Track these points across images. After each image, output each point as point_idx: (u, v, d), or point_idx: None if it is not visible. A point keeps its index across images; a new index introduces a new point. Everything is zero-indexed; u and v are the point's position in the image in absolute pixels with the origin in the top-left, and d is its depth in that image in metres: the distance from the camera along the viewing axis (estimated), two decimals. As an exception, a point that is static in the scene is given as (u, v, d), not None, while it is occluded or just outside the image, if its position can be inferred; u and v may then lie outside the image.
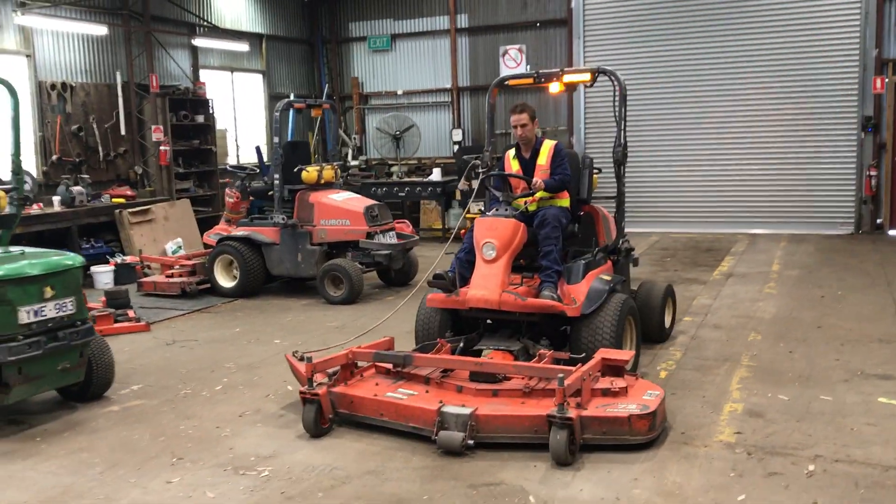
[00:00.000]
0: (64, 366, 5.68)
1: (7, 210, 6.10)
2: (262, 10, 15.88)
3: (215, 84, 14.55)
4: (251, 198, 10.66)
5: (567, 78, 6.94)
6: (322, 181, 10.10)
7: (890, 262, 10.85)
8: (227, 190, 10.80)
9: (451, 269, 6.17)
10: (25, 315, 5.37)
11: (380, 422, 5.16)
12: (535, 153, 6.51)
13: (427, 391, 5.34)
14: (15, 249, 5.83)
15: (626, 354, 5.43)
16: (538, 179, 6.30)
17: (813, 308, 8.42)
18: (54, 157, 11.53)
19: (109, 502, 4.41)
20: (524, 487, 4.40)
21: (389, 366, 5.67)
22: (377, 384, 5.51)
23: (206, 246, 10.95)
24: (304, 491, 4.45)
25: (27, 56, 11.30)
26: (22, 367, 5.40)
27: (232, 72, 15.27)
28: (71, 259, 5.73)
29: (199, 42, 14.05)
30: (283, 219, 9.85)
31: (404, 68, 16.93)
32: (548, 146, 6.52)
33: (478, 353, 5.88)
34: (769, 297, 9.01)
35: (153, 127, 12.72)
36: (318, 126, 16.37)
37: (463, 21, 16.24)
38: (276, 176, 9.88)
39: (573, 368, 5.04)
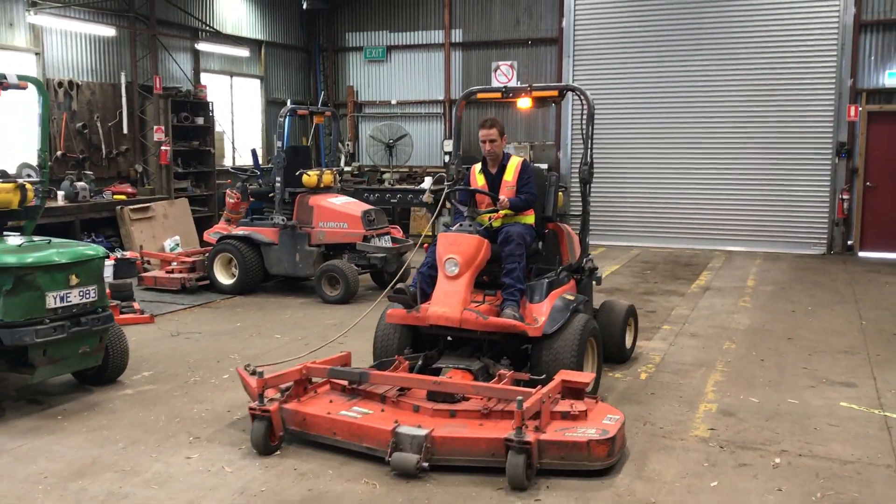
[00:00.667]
0: (84, 350, 6.03)
1: (33, 202, 6.45)
2: (263, 17, 16.29)
3: (215, 87, 14.93)
4: (251, 199, 11.03)
5: (536, 93, 6.84)
6: (321, 185, 10.50)
7: (858, 282, 11.42)
8: (228, 191, 11.17)
9: (413, 284, 6.06)
10: (52, 300, 5.72)
11: (332, 441, 4.99)
12: (502, 169, 6.41)
13: (383, 410, 5.18)
14: (40, 239, 6.19)
15: (586, 377, 5.34)
16: (504, 198, 6.22)
17: (784, 321, 8.93)
18: (59, 153, 11.85)
19: (135, 474, 4.77)
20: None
21: (345, 382, 5.53)
22: (331, 401, 5.34)
23: (204, 244, 11.32)
24: (314, 469, 4.84)
25: (36, 54, 11.64)
26: (47, 349, 5.75)
27: (231, 76, 15.66)
28: (94, 250, 6.10)
29: (201, 46, 14.43)
30: (283, 220, 10.24)
31: (399, 79, 17.39)
32: (515, 162, 6.42)
33: (437, 372, 5.71)
34: (744, 310, 9.52)
35: (155, 127, 13.07)
36: (312, 132, 16.76)
37: (457, 36, 16.74)
38: (278, 178, 10.28)
39: (533, 390, 4.92)
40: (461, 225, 6.04)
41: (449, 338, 6.04)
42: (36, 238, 6.26)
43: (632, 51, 15.38)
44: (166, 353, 7.51)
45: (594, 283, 7.18)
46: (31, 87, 6.65)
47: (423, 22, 17.05)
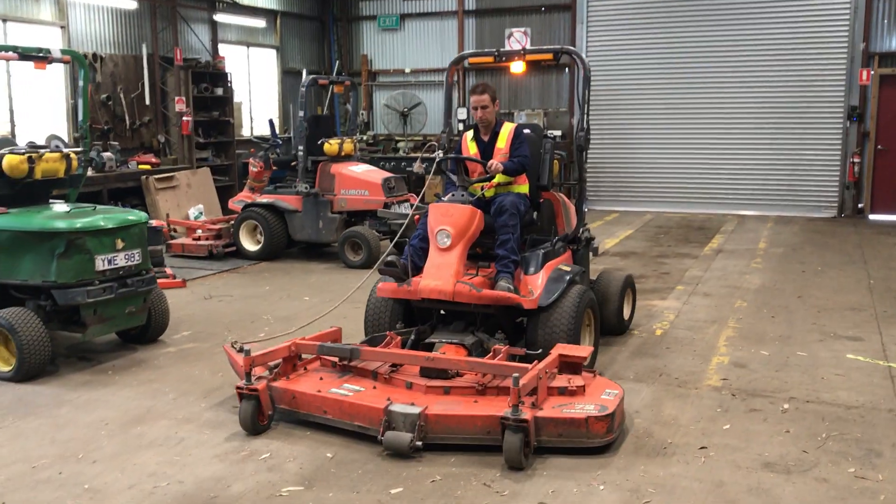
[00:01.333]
0: (130, 309, 6.40)
1: (77, 171, 6.78)
2: (278, -13, 16.47)
3: (232, 58, 15.16)
4: (274, 167, 11.33)
5: (529, 57, 6.48)
6: (342, 153, 10.79)
7: (867, 244, 11.67)
8: (251, 160, 11.46)
9: (404, 257, 5.83)
10: (101, 263, 6.07)
11: (323, 419, 4.86)
12: (495, 136, 6.15)
13: (374, 387, 5.03)
14: (86, 206, 6.53)
15: (584, 350, 5.17)
16: (494, 162, 5.94)
17: (794, 281, 9.22)
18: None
19: (188, 421, 5.14)
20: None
21: (335, 358, 5.39)
22: (321, 378, 5.18)
23: (226, 212, 11.63)
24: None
25: (62, 27, 11.90)
26: (97, 309, 6.12)
27: (248, 46, 15.88)
28: (137, 216, 6.44)
29: (218, 17, 14.63)
30: (306, 188, 10.55)
31: (412, 47, 17.55)
32: (508, 128, 6.14)
33: (429, 347, 5.50)
34: (755, 271, 9.80)
35: (176, 98, 13.34)
36: (327, 101, 17.00)
37: (470, 3, 16.87)
38: (300, 147, 10.56)
39: (529, 366, 4.79)
40: (453, 195, 5.87)
41: (441, 311, 5.87)
42: (81, 205, 6.60)
43: (645, 17, 15.49)
44: (202, 315, 7.87)
45: (591, 253, 7.03)
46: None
47: (436, -10, 17.19)
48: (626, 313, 7.05)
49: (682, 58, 15.34)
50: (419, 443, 4.49)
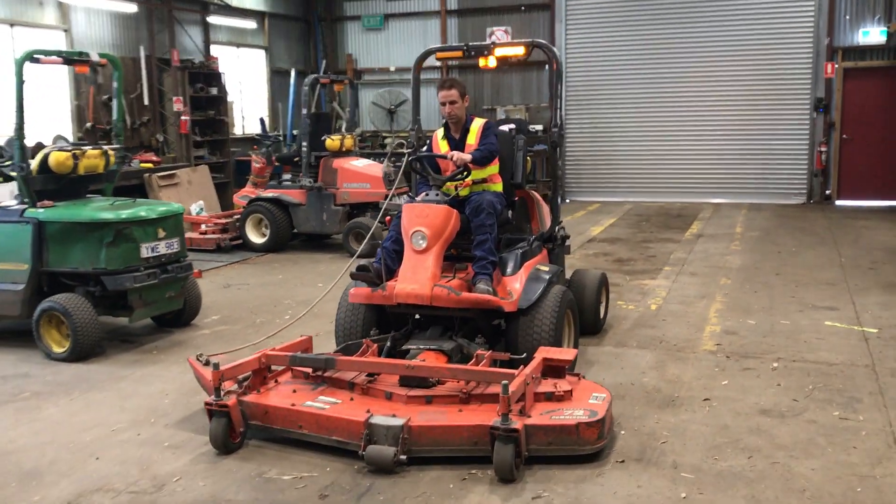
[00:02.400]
0: (170, 294, 6.90)
1: (113, 167, 7.24)
2: (265, -12, 16.91)
3: (223, 59, 15.56)
4: (276, 163, 11.81)
5: (499, 52, 6.40)
6: (343, 149, 11.31)
7: (836, 227, 12.46)
8: (254, 156, 11.93)
9: (377, 261, 5.57)
10: (145, 251, 6.56)
11: (298, 435, 4.60)
12: (465, 132, 5.91)
13: (352, 398, 4.76)
14: (125, 199, 7.00)
15: (569, 353, 4.99)
16: (455, 153, 5.71)
17: (772, 260, 9.94)
18: (88, 125, 12.51)
19: (240, 390, 5.66)
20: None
21: (308, 370, 5.11)
22: (294, 391, 4.89)
23: (225, 207, 12.09)
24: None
25: (65, 31, 12.27)
26: (142, 294, 6.61)
27: (238, 47, 16.31)
28: (176, 207, 6.93)
29: (211, 19, 15.05)
30: (310, 182, 11.05)
31: (397, 46, 18.08)
32: (478, 124, 5.92)
33: (406, 354, 5.27)
34: (735, 252, 10.51)
35: (174, 98, 13.75)
36: (314, 99, 17.44)
37: (452, 3, 17.46)
38: (304, 143, 11.07)
39: (515, 372, 4.55)
40: (427, 195, 5.64)
41: (417, 316, 5.64)
42: (121, 198, 7.08)
43: (620, 15, 16.20)
44: (225, 302, 8.36)
45: (564, 252, 6.87)
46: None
47: (419, -10, 17.74)
48: (602, 312, 6.89)
49: (657, 54, 16.07)
50: (403, 456, 4.24)
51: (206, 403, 4.63)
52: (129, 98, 13.30)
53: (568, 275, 6.89)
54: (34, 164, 6.69)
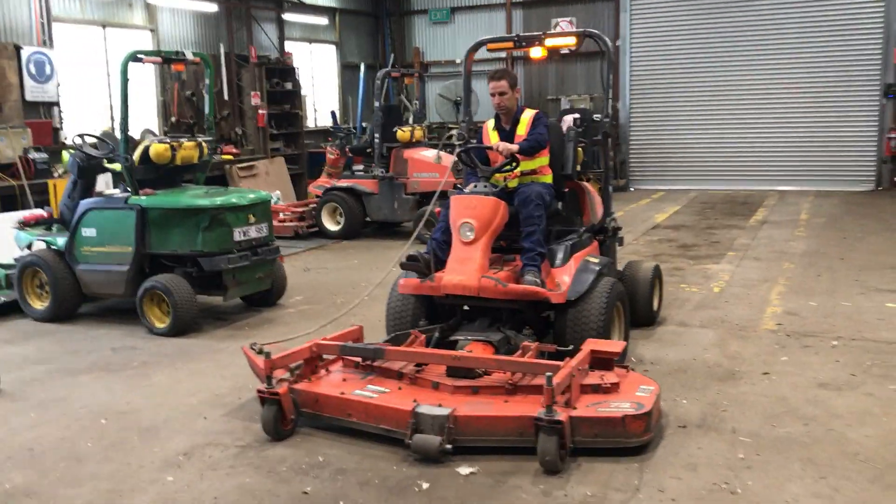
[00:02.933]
0: (259, 275, 7.45)
1: (206, 157, 7.82)
2: (335, -15, 17.49)
3: (296, 55, 16.20)
4: (350, 154, 12.35)
5: (550, 42, 6.35)
6: (413, 140, 11.77)
7: (905, 213, 12.42)
8: (328, 148, 12.49)
9: (427, 251, 5.64)
10: (238, 235, 7.12)
11: (347, 423, 4.69)
12: (516, 123, 5.92)
13: (400, 388, 4.82)
14: (218, 188, 7.57)
15: (617, 346, 4.96)
16: (501, 143, 5.75)
17: (837, 246, 10.04)
18: (173, 119, 13.27)
19: (327, 362, 6.14)
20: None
21: (358, 359, 5.16)
22: (344, 380, 5.00)
23: (300, 197, 12.66)
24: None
25: (151, 31, 13.03)
26: (235, 274, 7.17)
27: (310, 43, 16.93)
28: (264, 195, 7.47)
29: (287, 16, 15.68)
30: (382, 172, 11.55)
31: (463, 39, 18.46)
32: (528, 115, 5.93)
33: (454, 345, 5.37)
34: (799, 238, 10.63)
35: (252, 93, 14.42)
36: (383, 92, 17.94)
37: (518, -5, 17.76)
38: (377, 135, 11.56)
39: (561, 363, 4.55)
40: (475, 186, 5.65)
41: (466, 307, 5.68)
42: (214, 187, 7.65)
43: (685, 4, 16.27)
44: (307, 284, 8.91)
45: (617, 244, 6.79)
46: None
47: (484, -17, 18.09)
48: (655, 304, 6.83)
49: (722, 42, 16.10)
50: (449, 446, 4.28)
51: (259, 391, 4.73)
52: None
53: (621, 266, 6.88)
54: (136, 155, 7.29)
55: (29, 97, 10.98)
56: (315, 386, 4.90)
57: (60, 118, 11.56)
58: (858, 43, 15.13)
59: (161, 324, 7.01)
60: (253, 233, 7.27)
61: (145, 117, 13.15)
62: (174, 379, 5.91)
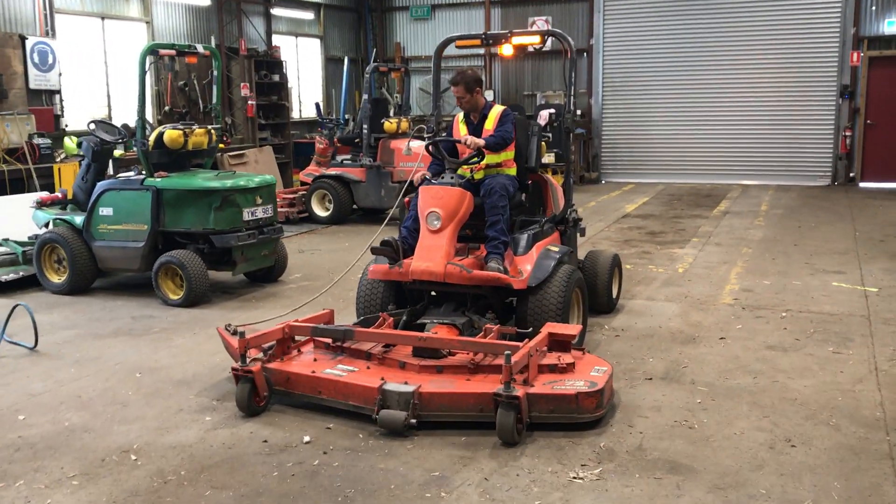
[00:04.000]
0: (265, 253, 8.09)
1: (213, 144, 8.43)
2: (320, -19, 18.08)
3: (283, 48, 16.76)
4: (337, 144, 12.99)
5: (516, 40, 6.73)
6: (399, 131, 12.44)
7: (856, 206, 13.35)
8: (317, 138, 13.11)
9: (400, 238, 5.98)
10: (246, 214, 7.75)
11: (318, 400, 4.95)
12: (484, 118, 6.23)
13: (368, 367, 5.09)
14: (227, 171, 8.18)
15: (573, 329, 5.26)
16: (470, 137, 6.02)
17: (792, 234, 10.90)
18: (166, 108, 13.80)
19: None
20: (600, 321, 6.82)
21: (329, 340, 5.41)
22: (315, 360, 5.25)
23: (287, 184, 13.28)
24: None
25: (146, 23, 13.54)
26: (243, 251, 7.80)
27: (296, 37, 17.50)
28: (270, 178, 8.11)
29: (275, 11, 16.25)
30: (370, 161, 12.20)
31: (443, 35, 18.85)
32: (496, 111, 6.23)
33: (422, 328, 5.64)
34: (758, 227, 11.49)
35: (242, 84, 14.97)
36: (370, 86, 18.58)
37: (496, -6, 18.47)
38: (365, 126, 12.21)
39: (520, 344, 4.82)
40: (442, 177, 5.93)
41: (433, 293, 5.94)
42: (222, 171, 8.27)
43: (656, 6, 17.11)
44: (303, 263, 9.55)
45: (579, 234, 7.10)
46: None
47: (464, -18, 18.77)
48: (615, 292, 7.19)
49: (690, 42, 16.98)
50: (413, 420, 4.55)
51: (233, 369, 4.98)
52: (202, 84, 14.54)
53: (583, 255, 7.21)
54: (151, 140, 7.89)
55: (32, 85, 11.46)
56: (287, 365, 5.15)
57: (61, 106, 12.05)
58: (817, 46, 16.07)
59: (175, 296, 7.62)
60: (260, 213, 7.91)
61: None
62: (194, 342, 6.55)
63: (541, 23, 17.97)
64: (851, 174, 16.19)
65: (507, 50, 6.87)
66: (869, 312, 7.05)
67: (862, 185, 16.01)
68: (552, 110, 6.91)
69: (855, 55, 15.65)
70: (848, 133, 15.92)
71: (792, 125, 16.45)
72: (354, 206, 12.57)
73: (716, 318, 6.95)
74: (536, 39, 6.76)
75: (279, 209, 12.39)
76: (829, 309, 7.19)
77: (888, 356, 5.88)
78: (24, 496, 4.00)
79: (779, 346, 6.17)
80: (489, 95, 18.49)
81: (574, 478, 4.09)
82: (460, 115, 6.43)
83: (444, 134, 6.58)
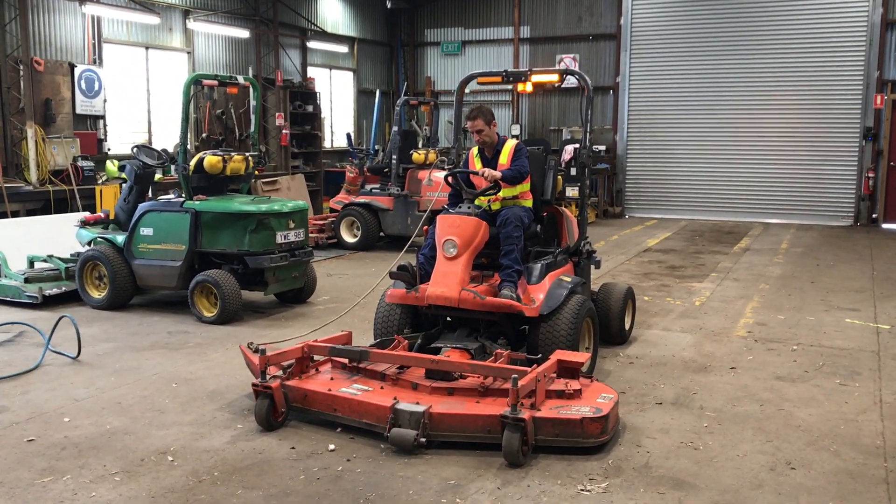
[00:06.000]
0: (295, 274, 8.45)
1: (250, 170, 8.84)
2: (355, 16, 18.66)
3: (317, 79, 17.32)
4: (367, 173, 13.42)
5: (535, 78, 6.94)
6: (427, 162, 12.83)
7: (877, 246, 13.48)
8: (348, 167, 13.54)
9: (418, 264, 6.19)
10: (279, 238, 8.12)
11: (332, 417, 5.14)
12: (497, 153, 6.47)
13: (382, 387, 5.27)
14: (262, 196, 8.58)
15: (581, 357, 5.39)
16: (487, 169, 6.24)
17: (810, 271, 11.08)
18: (204, 135, 14.32)
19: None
20: (615, 349, 7.08)
21: (346, 360, 5.64)
22: (332, 379, 5.46)
23: (318, 211, 13.70)
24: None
25: (188, 53, 14.12)
26: (276, 272, 8.16)
27: (330, 69, 18.06)
28: (303, 204, 8.50)
29: (310, 44, 16.82)
30: (397, 190, 12.60)
31: (472, 70, 19.51)
32: (510, 145, 6.46)
33: (436, 351, 5.75)
34: (777, 264, 11.67)
35: (277, 113, 15.50)
36: (401, 118, 19.06)
37: (525, 32, 18.94)
38: (394, 156, 12.63)
39: (528, 369, 5.01)
40: (460, 207, 6.15)
41: (448, 318, 6.11)
42: (258, 196, 8.67)
43: (682, 46, 17.47)
44: (331, 286, 9.90)
45: (593, 265, 7.27)
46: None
47: (494, 19, 19.28)
48: (627, 324, 7.34)
49: (715, 82, 17.28)
50: (423, 439, 4.69)
51: (253, 385, 5.20)
52: (238, 113, 15.08)
53: (597, 287, 7.39)
54: (191, 165, 8.32)
55: (79, 111, 12.03)
56: (305, 383, 5.34)
57: (105, 130, 12.60)
58: (841, 88, 16.30)
59: (209, 313, 7.99)
60: (292, 237, 8.28)
61: (176, 132, 14.16)
62: (227, 356, 6.89)
63: (568, 60, 18.40)
64: (874, 215, 16.31)
65: (527, 87, 7.09)
66: (879, 348, 7.23)
67: (885, 226, 16.12)
68: (577, 145, 7.11)
69: (879, 98, 15.86)
70: (871, 174, 16.08)
71: (815, 165, 16.65)
72: (381, 234, 12.95)
73: (728, 350, 7.17)
74: (555, 78, 7.06)
75: (309, 234, 12.92)
76: (840, 344, 7.38)
77: (894, 390, 6.06)
78: (72, 489, 4.33)
79: (787, 377, 6.38)
80: (516, 129, 18.91)
81: (581, 490, 4.34)
82: (475, 150, 6.65)
83: (462, 167, 6.83)
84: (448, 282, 5.78)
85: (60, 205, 10.96)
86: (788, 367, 6.65)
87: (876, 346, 7.32)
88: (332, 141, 18.10)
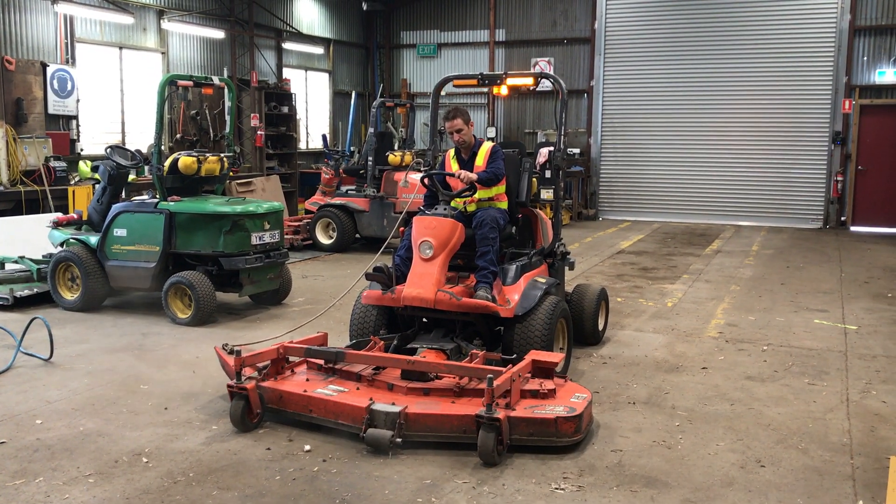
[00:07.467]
0: (271, 276, 8.43)
1: (225, 171, 8.81)
2: (331, 18, 18.65)
3: (293, 81, 17.27)
4: (343, 175, 13.41)
5: (510, 81, 7.03)
6: (403, 163, 12.85)
7: (845, 248, 13.71)
8: (324, 168, 13.53)
9: (394, 266, 6.22)
10: (255, 239, 8.11)
11: (308, 418, 5.12)
12: (474, 155, 6.51)
13: (358, 388, 5.28)
14: (237, 198, 8.56)
15: (556, 357, 5.44)
16: (463, 172, 6.28)
17: (780, 273, 11.25)
18: (178, 136, 14.23)
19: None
20: (589, 350, 7.15)
21: (321, 361, 5.64)
22: (308, 380, 5.45)
23: (293, 212, 13.68)
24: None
25: (162, 53, 14.03)
26: (250, 273, 8.15)
27: (306, 70, 18.02)
28: (278, 205, 8.48)
29: (286, 45, 16.78)
30: (373, 192, 12.60)
31: (448, 73, 19.54)
32: (486, 147, 6.50)
33: (412, 352, 5.76)
34: (748, 266, 11.84)
35: (252, 115, 15.43)
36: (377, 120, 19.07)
37: (501, 35, 19.02)
38: (370, 158, 12.64)
39: (503, 369, 5.05)
40: (436, 209, 6.16)
41: (424, 319, 6.12)
42: (233, 197, 8.64)
43: (656, 50, 17.65)
44: (306, 288, 9.89)
45: (567, 267, 7.34)
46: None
47: (470, 22, 19.35)
48: (601, 324, 7.39)
49: (688, 87, 17.48)
50: (399, 440, 4.71)
51: (228, 386, 5.18)
52: (213, 114, 15.00)
53: (570, 288, 7.46)
54: (165, 166, 8.28)
55: (51, 110, 11.90)
56: (280, 384, 5.35)
57: (77, 131, 12.48)
58: (810, 93, 16.57)
59: (183, 315, 7.95)
60: (267, 238, 8.27)
61: (151, 133, 14.06)
62: (203, 358, 6.86)
63: (543, 64, 18.51)
64: (843, 218, 16.58)
65: (502, 90, 7.15)
66: (846, 348, 7.37)
67: (853, 228, 16.40)
68: (552, 148, 7.18)
69: (847, 103, 16.13)
70: (840, 178, 16.35)
71: (785, 169, 16.90)
72: (357, 235, 12.95)
73: (700, 350, 7.27)
74: (530, 81, 7.13)
75: (284, 236, 12.89)
76: (808, 344, 7.51)
77: (860, 389, 6.19)
78: (44, 491, 4.31)
79: (757, 376, 6.48)
80: (491, 132, 18.98)
81: (556, 488, 4.40)
82: (451, 152, 6.70)
83: (438, 168, 6.85)
84: (424, 283, 5.81)
85: (32, 205, 10.85)
86: (758, 367, 6.76)
87: (843, 346, 7.46)
88: (307, 142, 18.06)
